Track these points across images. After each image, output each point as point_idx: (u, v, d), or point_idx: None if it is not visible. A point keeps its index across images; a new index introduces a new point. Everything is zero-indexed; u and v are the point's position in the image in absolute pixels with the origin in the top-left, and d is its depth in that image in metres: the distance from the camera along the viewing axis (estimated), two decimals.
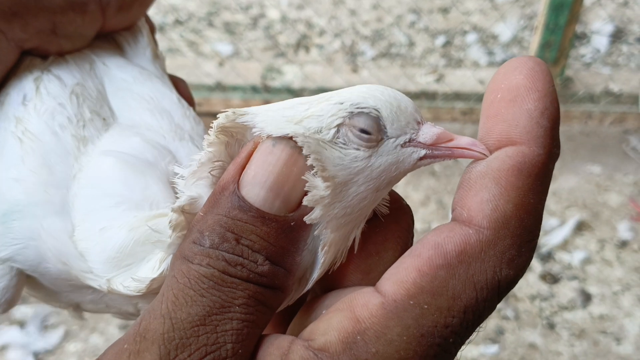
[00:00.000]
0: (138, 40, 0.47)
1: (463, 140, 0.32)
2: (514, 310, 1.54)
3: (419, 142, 0.32)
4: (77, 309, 0.41)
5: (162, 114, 0.42)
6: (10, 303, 0.38)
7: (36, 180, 0.37)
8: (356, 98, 0.32)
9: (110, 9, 0.44)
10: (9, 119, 0.40)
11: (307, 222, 0.30)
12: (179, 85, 0.48)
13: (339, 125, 0.31)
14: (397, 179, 0.32)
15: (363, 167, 0.31)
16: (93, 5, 0.42)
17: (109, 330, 1.48)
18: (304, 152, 0.30)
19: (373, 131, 0.31)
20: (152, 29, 0.50)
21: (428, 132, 0.32)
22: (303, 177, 0.30)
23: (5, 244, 0.37)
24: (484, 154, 0.31)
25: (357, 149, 0.31)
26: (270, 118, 0.31)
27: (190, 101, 0.47)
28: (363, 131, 0.31)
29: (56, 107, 0.40)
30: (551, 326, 1.52)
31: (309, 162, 0.30)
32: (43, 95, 0.40)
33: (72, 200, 0.37)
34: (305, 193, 0.30)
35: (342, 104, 0.31)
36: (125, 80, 0.44)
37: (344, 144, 0.31)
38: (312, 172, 0.30)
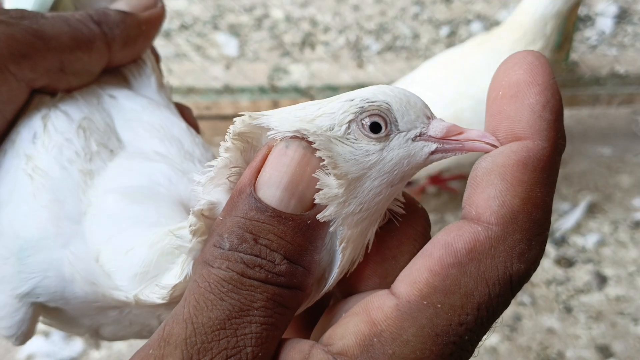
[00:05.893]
0: (143, 71, 0.48)
1: (473, 133, 0.32)
2: (531, 296, 1.55)
3: (430, 136, 0.32)
4: (95, 335, 0.42)
5: (171, 142, 0.43)
6: (27, 335, 0.39)
7: (48, 214, 0.38)
8: (366, 94, 0.32)
9: (116, 45, 0.44)
10: (20, 157, 0.41)
11: (321, 220, 0.31)
12: (185, 113, 0.49)
13: (350, 122, 0.32)
14: (409, 174, 0.33)
15: (375, 161, 0.31)
16: (99, 42, 0.43)
17: None
18: (315, 146, 0.30)
19: (383, 125, 0.32)
20: (157, 58, 0.51)
21: (438, 126, 0.32)
22: (314, 175, 0.30)
23: (23, 280, 0.38)
24: (494, 145, 0.31)
25: (369, 143, 0.31)
26: (283, 119, 0.32)
27: (196, 128, 0.48)
28: (374, 125, 0.31)
29: (64, 142, 0.41)
30: (568, 310, 1.53)
31: (317, 154, 0.30)
32: (51, 132, 0.41)
33: (90, 233, 0.38)
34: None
35: (352, 100, 0.32)
36: (134, 110, 0.45)
37: (356, 139, 0.31)
38: (325, 169, 0.30)
